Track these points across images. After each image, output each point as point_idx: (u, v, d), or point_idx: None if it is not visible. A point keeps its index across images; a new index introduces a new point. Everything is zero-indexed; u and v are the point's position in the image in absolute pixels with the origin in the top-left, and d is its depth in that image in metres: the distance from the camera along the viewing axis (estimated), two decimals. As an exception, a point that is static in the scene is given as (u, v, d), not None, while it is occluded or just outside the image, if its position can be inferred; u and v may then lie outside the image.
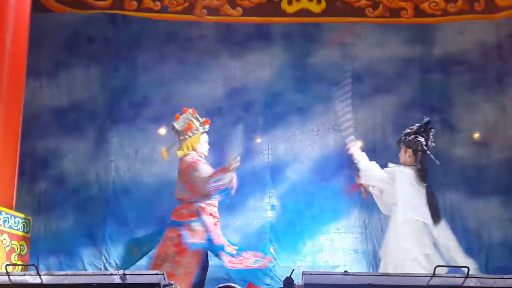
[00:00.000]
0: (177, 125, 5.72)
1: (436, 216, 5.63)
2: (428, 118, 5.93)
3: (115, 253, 7.15)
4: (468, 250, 7.00)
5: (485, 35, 7.60)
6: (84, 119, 7.50)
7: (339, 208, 7.25)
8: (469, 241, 7.11)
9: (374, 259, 7.16)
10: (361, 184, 5.97)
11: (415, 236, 5.51)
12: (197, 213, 5.49)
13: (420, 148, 5.78)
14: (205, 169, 5.61)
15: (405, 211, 5.59)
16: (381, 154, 7.39)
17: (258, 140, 7.46)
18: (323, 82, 7.55)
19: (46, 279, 4.12)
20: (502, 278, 4.02)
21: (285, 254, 7.12)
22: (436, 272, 4.03)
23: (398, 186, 5.69)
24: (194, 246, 5.33)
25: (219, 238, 5.46)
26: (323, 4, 7.78)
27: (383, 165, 5.91)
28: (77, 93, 7.55)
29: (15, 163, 6.39)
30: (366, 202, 7.26)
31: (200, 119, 5.78)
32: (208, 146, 5.83)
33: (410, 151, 5.83)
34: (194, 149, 5.71)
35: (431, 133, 5.89)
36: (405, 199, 5.64)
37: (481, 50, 7.57)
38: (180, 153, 5.68)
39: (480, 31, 7.60)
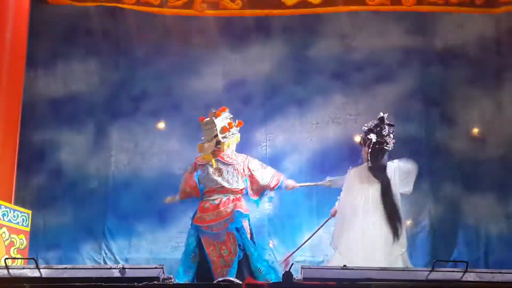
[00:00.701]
0: (207, 125, 5.80)
1: (392, 219, 5.70)
2: (382, 115, 5.95)
3: (115, 247, 7.17)
4: (467, 244, 7.06)
5: (484, 29, 7.56)
6: (83, 112, 7.48)
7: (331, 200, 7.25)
8: (467, 236, 7.13)
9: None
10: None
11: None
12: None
13: (371, 145, 5.81)
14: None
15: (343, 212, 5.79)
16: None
17: (257, 134, 7.45)
18: (323, 74, 7.54)
19: (45, 273, 4.15)
20: (500, 272, 4.04)
21: (283, 247, 7.10)
22: (435, 267, 4.05)
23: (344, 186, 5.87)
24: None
25: None
26: (323, -6, 7.75)
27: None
28: (75, 85, 7.53)
29: (14, 156, 6.40)
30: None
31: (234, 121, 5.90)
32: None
33: (366, 148, 5.89)
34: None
35: (384, 130, 5.90)
36: (344, 200, 5.82)
37: (480, 44, 7.53)
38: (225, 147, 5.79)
39: (480, 25, 7.56)
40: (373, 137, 5.86)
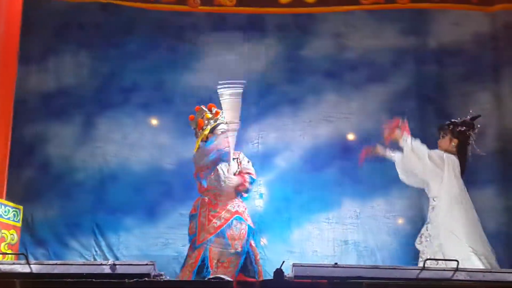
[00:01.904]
0: (192, 125, 5.93)
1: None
2: (478, 114, 5.99)
3: (104, 243, 7.10)
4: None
5: (480, 26, 7.58)
6: (72, 104, 7.41)
7: (329, 198, 7.25)
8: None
9: (365, 250, 7.18)
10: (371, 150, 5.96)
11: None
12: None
13: (468, 141, 5.83)
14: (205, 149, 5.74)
15: (450, 204, 5.60)
16: (374, 143, 7.42)
17: (250, 131, 7.45)
18: (316, 73, 7.55)
19: (35, 268, 4.13)
20: (491, 272, 4.05)
21: (273, 243, 7.11)
22: (425, 265, 4.05)
23: (446, 172, 5.68)
24: None
25: None
26: (317, -8, 7.75)
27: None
28: (66, 78, 7.47)
29: (6, 151, 6.37)
30: (357, 192, 7.33)
31: (211, 112, 5.91)
32: (227, 136, 5.80)
33: (456, 141, 5.84)
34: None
35: (476, 130, 5.94)
36: (451, 192, 5.66)
37: (476, 41, 7.55)
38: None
39: (476, 22, 7.58)
40: (472, 133, 5.90)
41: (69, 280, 3.99)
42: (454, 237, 5.45)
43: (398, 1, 7.71)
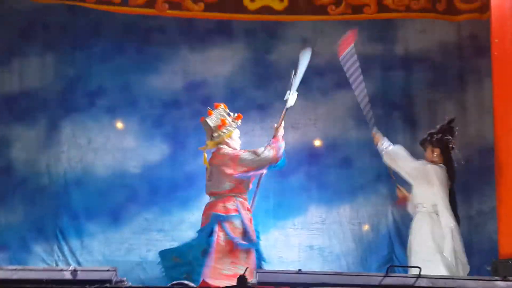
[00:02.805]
0: (210, 121, 5.58)
1: (457, 218, 5.75)
2: (452, 117, 5.97)
3: (66, 248, 7.03)
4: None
5: (446, 35, 7.66)
6: (36, 107, 7.32)
7: (295, 203, 7.26)
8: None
9: (330, 256, 7.20)
10: (405, 198, 5.96)
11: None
12: (237, 208, 5.37)
13: (448, 146, 5.81)
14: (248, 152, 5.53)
15: (448, 218, 5.64)
16: (341, 149, 7.46)
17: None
18: (284, 79, 7.52)
19: (-6, 274, 4.05)
20: (452, 278, 4.08)
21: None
22: (388, 272, 4.06)
23: (437, 185, 5.69)
24: (242, 246, 5.28)
25: (253, 235, 5.40)
26: (286, 2, 7.76)
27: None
28: (30, 80, 7.37)
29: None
30: (324, 198, 7.35)
31: (232, 114, 5.69)
32: (240, 142, 5.72)
33: (437, 150, 5.84)
34: (226, 144, 5.58)
35: (455, 132, 5.94)
36: (444, 202, 5.67)
37: (442, 50, 7.63)
38: (211, 147, 5.56)
39: (441, 31, 7.66)
40: (450, 138, 5.87)
41: (28, 286, 3.93)
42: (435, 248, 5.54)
43: (365, 11, 7.75)
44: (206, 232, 5.30)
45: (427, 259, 5.42)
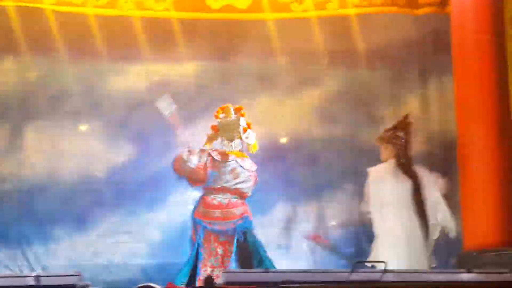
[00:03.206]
0: (242, 122, 5.87)
1: (420, 214, 5.79)
2: (406, 113, 6.10)
3: (31, 254, 6.94)
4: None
5: (407, 30, 7.69)
6: (-3, 113, 7.25)
7: (263, 201, 7.25)
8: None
9: (298, 253, 7.21)
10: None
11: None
12: None
13: (399, 142, 5.92)
14: None
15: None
16: (306, 146, 7.47)
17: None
18: (249, 77, 7.54)
19: (-45, 283, 3.97)
20: (418, 272, 4.11)
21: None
22: (354, 268, 4.08)
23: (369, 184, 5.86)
24: None
25: None
26: (249, 0, 7.74)
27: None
28: (-11, 85, 7.29)
29: None
30: (291, 195, 7.36)
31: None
32: None
33: (389, 146, 5.96)
34: None
35: (410, 128, 6.04)
36: (377, 196, 5.80)
37: (403, 45, 7.66)
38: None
39: (403, 26, 7.69)
40: (401, 134, 5.94)
41: (-11, 293, 3.86)
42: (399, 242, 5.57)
43: (327, 8, 7.77)
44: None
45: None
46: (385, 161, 6.06)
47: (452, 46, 6.63)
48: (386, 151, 6.02)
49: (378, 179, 5.91)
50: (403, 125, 6.08)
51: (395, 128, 6.03)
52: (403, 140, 6.00)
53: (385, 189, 5.91)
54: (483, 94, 6.29)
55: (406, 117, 6.11)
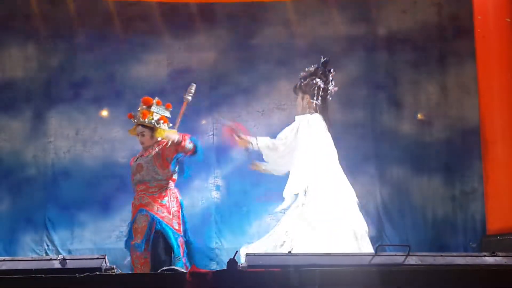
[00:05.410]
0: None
1: None
2: (326, 58, 5.40)
3: (56, 238, 7.03)
4: (414, 226, 7.17)
5: (427, 15, 7.65)
6: (20, 98, 7.30)
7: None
8: (415, 217, 7.24)
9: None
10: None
11: None
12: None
13: (317, 92, 5.25)
14: None
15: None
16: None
17: (204, 122, 7.42)
18: (268, 62, 7.53)
19: (-17, 265, 4.03)
20: (441, 255, 4.10)
21: (231, 235, 7.12)
22: (377, 251, 4.08)
23: (299, 135, 5.10)
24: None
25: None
26: (268, -17, 7.72)
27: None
28: (13, 71, 7.34)
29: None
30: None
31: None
32: None
33: (307, 96, 5.30)
34: None
35: (331, 75, 5.34)
36: (310, 146, 5.07)
37: (423, 30, 7.62)
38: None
39: (423, 11, 7.65)
40: (320, 82, 5.28)
41: (17, 276, 3.91)
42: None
43: (348, -10, 7.73)
44: None
45: None
46: (304, 113, 5.30)
47: (475, 31, 6.57)
48: (302, 102, 5.29)
49: (303, 129, 5.13)
50: (323, 72, 5.31)
51: (312, 74, 5.29)
52: (321, 90, 5.24)
53: (315, 142, 5.13)
54: (506, 78, 6.24)
55: (325, 62, 5.33)
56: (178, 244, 5.34)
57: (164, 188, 5.46)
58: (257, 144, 5.34)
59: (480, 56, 6.54)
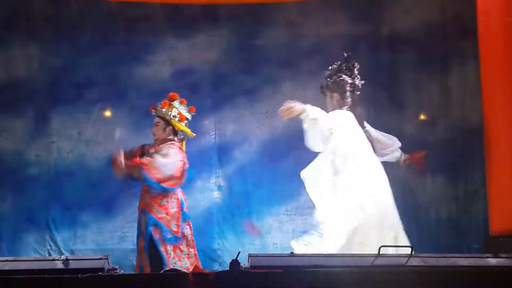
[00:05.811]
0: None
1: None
2: (349, 53, 5.40)
3: (59, 238, 7.05)
4: (417, 227, 7.16)
5: (431, 15, 7.64)
6: (23, 98, 7.29)
7: (288, 190, 7.25)
8: (419, 217, 7.22)
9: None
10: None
11: None
12: None
13: (347, 88, 5.25)
14: None
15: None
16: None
17: (206, 122, 7.42)
18: (271, 63, 7.53)
19: (-15, 265, 4.04)
20: (444, 257, 4.09)
21: (233, 236, 7.13)
22: (380, 252, 4.07)
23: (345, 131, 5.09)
24: None
25: None
26: (271, -18, 7.72)
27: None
28: (15, 71, 7.35)
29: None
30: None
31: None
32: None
33: (336, 95, 5.30)
34: None
35: (356, 69, 5.34)
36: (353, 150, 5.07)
37: (426, 30, 7.61)
38: None
39: (426, 11, 7.64)
40: (346, 78, 5.27)
41: (20, 276, 3.91)
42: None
43: (351, -10, 7.73)
44: None
45: None
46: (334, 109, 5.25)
47: (478, 31, 6.56)
48: (332, 101, 5.26)
49: (337, 123, 5.09)
50: (347, 67, 5.33)
51: (338, 71, 5.29)
52: (351, 85, 5.24)
53: (349, 138, 5.11)
54: (509, 79, 6.22)
55: (347, 59, 5.36)
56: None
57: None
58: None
59: (484, 57, 6.51)
